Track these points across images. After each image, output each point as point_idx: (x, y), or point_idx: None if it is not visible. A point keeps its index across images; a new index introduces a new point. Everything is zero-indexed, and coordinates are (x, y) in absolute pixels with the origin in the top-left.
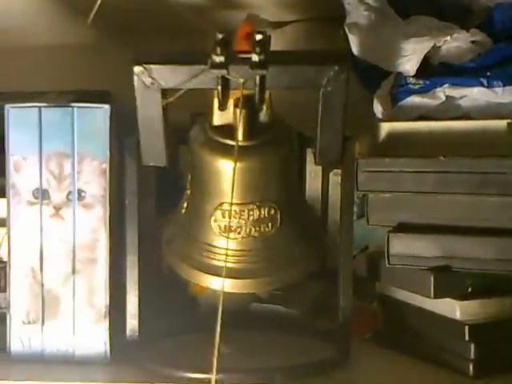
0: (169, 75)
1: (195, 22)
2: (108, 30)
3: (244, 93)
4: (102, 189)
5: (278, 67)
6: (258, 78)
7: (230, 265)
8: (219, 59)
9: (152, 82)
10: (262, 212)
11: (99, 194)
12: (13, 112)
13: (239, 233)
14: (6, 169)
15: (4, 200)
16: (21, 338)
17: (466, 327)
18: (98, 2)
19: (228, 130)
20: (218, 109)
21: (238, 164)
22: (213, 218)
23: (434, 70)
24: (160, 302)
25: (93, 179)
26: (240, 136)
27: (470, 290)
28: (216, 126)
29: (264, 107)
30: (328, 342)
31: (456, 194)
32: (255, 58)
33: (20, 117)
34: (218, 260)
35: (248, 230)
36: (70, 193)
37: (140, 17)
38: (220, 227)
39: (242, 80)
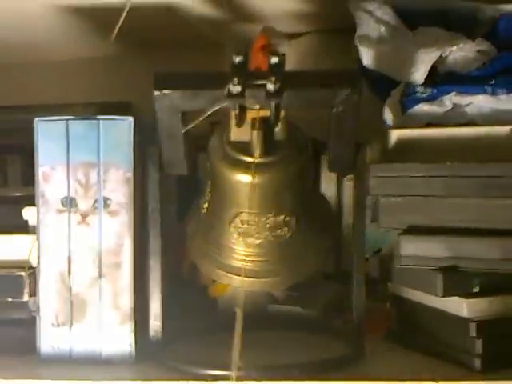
0: (188, 100)
1: (213, 35)
2: (131, 44)
3: (260, 115)
4: (127, 196)
5: (292, 91)
6: (273, 103)
7: (248, 266)
8: (236, 89)
9: (172, 105)
10: (278, 220)
11: (124, 202)
12: (41, 125)
13: (257, 238)
14: (35, 178)
15: (34, 208)
16: (50, 340)
17: (473, 324)
18: (122, 19)
19: (245, 147)
20: (235, 125)
21: (255, 179)
22: (232, 225)
23: (441, 79)
24: (182, 305)
25: (118, 187)
26: (257, 153)
27: (478, 288)
28: (233, 142)
29: (279, 126)
30: (343, 340)
31: (463, 197)
32: (270, 86)
33: (48, 129)
34: (237, 260)
35: (265, 236)
36: (96, 201)
37: (161, 31)
38: (239, 233)
39: (258, 106)
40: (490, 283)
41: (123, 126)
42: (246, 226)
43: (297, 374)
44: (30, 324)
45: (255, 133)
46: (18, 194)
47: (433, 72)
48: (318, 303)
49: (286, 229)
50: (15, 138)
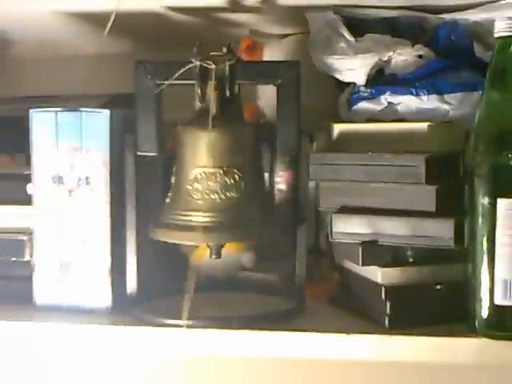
0: (161, 69)
1: (207, 36)
2: (131, 41)
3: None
4: (104, 176)
5: (243, 64)
6: (227, 67)
7: (201, 222)
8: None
9: (148, 76)
10: (228, 178)
11: (102, 180)
12: (35, 115)
13: (208, 195)
14: (31, 160)
15: (31, 184)
16: (43, 293)
17: (383, 288)
18: (112, 18)
19: (204, 113)
20: (198, 101)
21: (209, 132)
22: (189, 183)
23: (383, 80)
24: (162, 270)
25: (97, 168)
26: (213, 111)
27: (411, 259)
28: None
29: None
30: (291, 302)
31: (381, 182)
32: (225, 50)
33: (41, 118)
34: (192, 222)
35: (216, 194)
36: (80, 179)
37: (154, 30)
38: (194, 190)
39: (213, 66)
40: (421, 255)
41: (101, 117)
42: (200, 183)
43: (236, 325)
44: (29, 280)
45: (211, 84)
46: (26, 172)
47: (381, 73)
48: (283, 271)
49: (234, 190)
50: None
